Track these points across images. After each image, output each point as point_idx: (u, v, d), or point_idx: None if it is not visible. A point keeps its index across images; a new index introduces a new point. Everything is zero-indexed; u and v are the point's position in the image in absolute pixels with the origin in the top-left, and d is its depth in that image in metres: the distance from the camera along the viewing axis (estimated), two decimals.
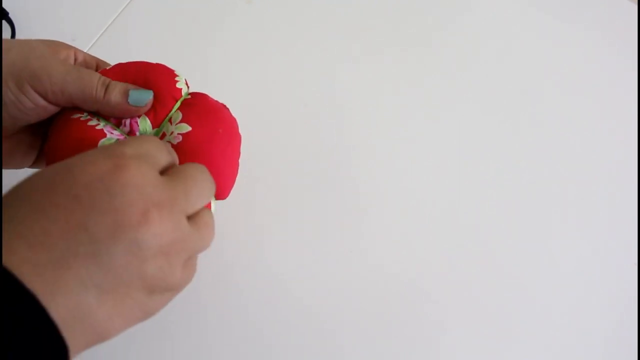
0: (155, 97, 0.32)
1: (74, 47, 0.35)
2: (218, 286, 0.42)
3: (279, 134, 0.48)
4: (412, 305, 0.42)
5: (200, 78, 0.41)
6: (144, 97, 0.31)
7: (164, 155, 0.27)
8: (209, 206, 0.31)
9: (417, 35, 0.54)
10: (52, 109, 0.32)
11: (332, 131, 0.49)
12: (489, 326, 0.42)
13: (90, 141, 0.30)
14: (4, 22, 0.51)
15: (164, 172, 0.26)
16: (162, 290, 0.24)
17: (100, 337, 0.23)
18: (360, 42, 0.53)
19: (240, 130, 0.36)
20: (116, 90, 0.31)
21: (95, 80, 0.31)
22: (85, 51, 0.36)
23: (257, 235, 0.44)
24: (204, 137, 0.32)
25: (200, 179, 0.27)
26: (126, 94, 0.31)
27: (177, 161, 0.29)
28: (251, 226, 0.44)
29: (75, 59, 0.35)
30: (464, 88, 0.51)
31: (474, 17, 0.56)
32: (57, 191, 0.22)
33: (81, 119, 0.32)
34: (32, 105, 0.30)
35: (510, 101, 0.51)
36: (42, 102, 0.30)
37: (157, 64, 0.34)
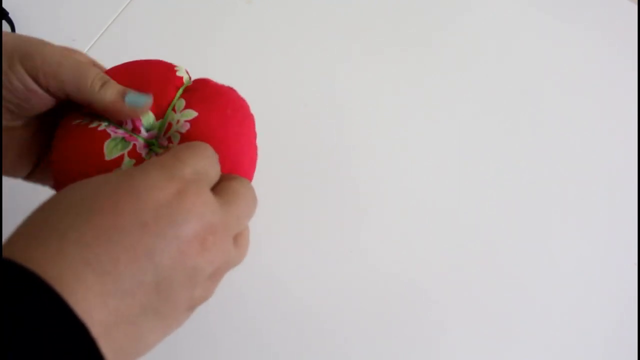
0: (154, 87, 0.31)
1: (78, 51, 0.34)
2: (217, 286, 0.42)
3: (279, 133, 0.48)
4: (412, 306, 0.42)
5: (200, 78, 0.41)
6: (142, 99, 0.30)
7: (215, 168, 0.27)
8: None
9: (417, 35, 0.54)
10: (44, 98, 0.29)
11: (332, 131, 0.49)
12: (489, 326, 0.42)
13: (96, 144, 0.30)
14: (4, 22, 0.51)
15: (214, 187, 0.26)
16: (195, 307, 0.25)
17: (138, 356, 0.23)
18: (360, 42, 0.53)
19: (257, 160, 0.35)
20: (113, 89, 0.30)
21: (93, 73, 0.29)
22: (84, 52, 0.35)
23: (256, 236, 0.44)
24: (212, 121, 0.31)
25: (247, 196, 0.27)
26: (123, 94, 0.30)
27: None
28: (250, 226, 0.44)
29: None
30: (464, 88, 0.51)
31: (474, 17, 0.56)
32: (124, 216, 0.22)
33: (82, 123, 0.30)
34: (21, 87, 0.28)
35: (510, 101, 0.51)
36: (32, 84, 0.28)
37: (155, 60, 0.33)
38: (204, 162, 0.26)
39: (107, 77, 0.30)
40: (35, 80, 0.28)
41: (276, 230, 0.44)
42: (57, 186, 0.31)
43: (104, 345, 0.20)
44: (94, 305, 0.20)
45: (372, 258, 0.44)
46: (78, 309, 0.19)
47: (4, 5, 0.52)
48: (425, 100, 0.51)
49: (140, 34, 0.53)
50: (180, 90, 0.32)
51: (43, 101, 0.30)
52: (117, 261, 0.21)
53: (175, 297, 0.23)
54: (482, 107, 0.51)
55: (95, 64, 0.34)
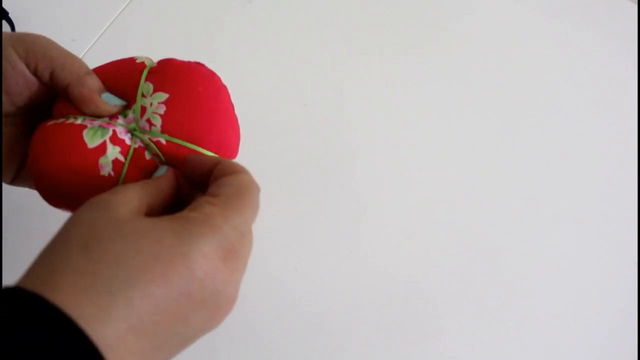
0: (117, 77, 0.31)
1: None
2: None
3: (278, 133, 0.48)
4: (412, 306, 0.42)
5: None
6: (114, 100, 0.31)
7: (254, 218, 0.27)
8: None
9: (417, 36, 0.54)
10: (31, 82, 0.30)
11: (331, 131, 0.49)
12: (489, 326, 0.42)
13: (75, 134, 0.30)
14: (4, 22, 0.51)
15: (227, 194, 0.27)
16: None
17: None
18: (360, 42, 0.53)
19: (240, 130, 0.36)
20: (95, 80, 0.31)
21: (78, 60, 0.30)
22: (84, 52, 0.36)
23: (256, 236, 0.44)
24: (186, 99, 0.31)
25: (254, 208, 0.27)
26: (101, 90, 0.31)
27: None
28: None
29: None
30: (464, 88, 0.51)
31: (474, 17, 0.56)
32: (172, 286, 0.22)
33: (57, 122, 0.31)
34: (8, 68, 0.29)
35: (509, 100, 0.51)
36: (21, 66, 0.29)
37: (118, 59, 0.33)
38: (247, 216, 0.26)
39: (90, 70, 0.31)
40: (26, 62, 0.29)
41: (276, 230, 0.44)
42: (37, 183, 0.31)
43: None
44: None
45: (373, 258, 0.44)
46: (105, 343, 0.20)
47: (4, 5, 0.52)
48: (425, 100, 0.51)
49: (140, 34, 0.53)
50: (145, 72, 0.31)
51: (30, 85, 0.30)
52: (157, 324, 0.22)
53: (194, 337, 0.25)
54: (482, 107, 0.51)
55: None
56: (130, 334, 0.21)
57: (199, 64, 0.33)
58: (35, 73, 0.30)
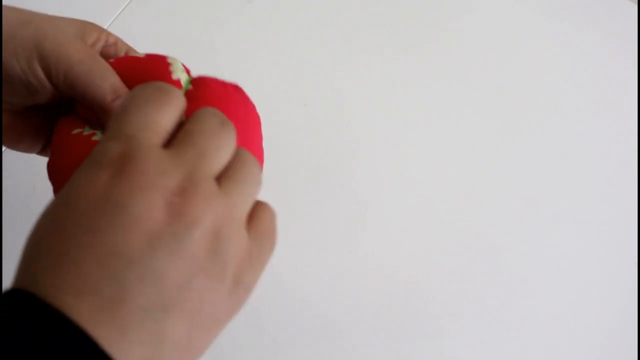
0: None
1: (105, 30, 0.32)
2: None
3: (278, 133, 0.48)
4: (412, 306, 0.42)
5: None
6: None
7: (164, 107, 0.22)
8: None
9: (417, 36, 0.54)
10: (55, 94, 0.30)
11: (331, 131, 0.49)
12: (489, 326, 0.42)
13: (89, 152, 0.29)
14: None
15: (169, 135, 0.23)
16: (234, 276, 0.22)
17: (191, 356, 0.21)
18: (360, 41, 0.53)
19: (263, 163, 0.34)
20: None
21: (107, 83, 0.29)
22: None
23: None
24: None
25: (210, 124, 0.23)
26: None
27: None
28: None
29: (106, 43, 0.33)
30: (465, 87, 0.51)
31: (474, 17, 0.56)
32: (67, 233, 0.20)
33: (83, 133, 0.30)
34: (37, 85, 0.29)
35: (509, 101, 0.51)
36: (47, 83, 0.29)
37: (147, 57, 0.31)
38: (144, 112, 0.22)
39: (121, 91, 0.29)
40: (50, 80, 0.29)
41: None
42: (55, 192, 0.30)
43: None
44: (86, 322, 0.18)
45: (373, 258, 0.44)
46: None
47: (4, 5, 0.52)
48: (425, 100, 0.51)
49: (140, 33, 0.53)
50: None
51: (53, 96, 0.30)
52: (87, 276, 0.19)
53: (173, 282, 0.20)
54: (482, 107, 0.51)
55: (128, 50, 0.34)
56: (68, 298, 0.18)
57: (236, 88, 0.32)
58: (58, 89, 0.29)
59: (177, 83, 0.30)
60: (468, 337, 0.41)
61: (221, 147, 0.22)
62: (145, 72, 0.30)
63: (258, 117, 0.33)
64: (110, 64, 0.31)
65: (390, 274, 0.43)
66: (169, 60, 0.31)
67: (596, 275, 0.44)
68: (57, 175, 0.30)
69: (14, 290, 0.19)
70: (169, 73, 0.30)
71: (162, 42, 0.52)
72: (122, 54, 0.33)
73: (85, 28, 0.32)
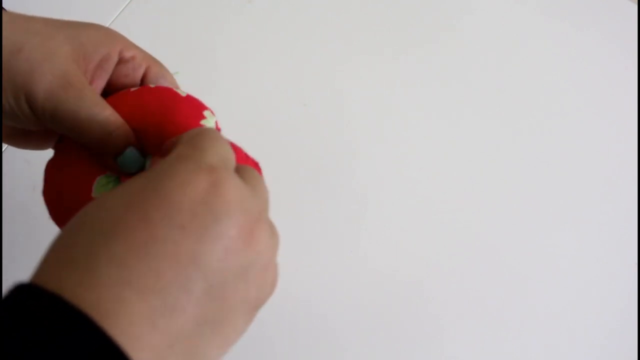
0: (167, 129, 0.28)
1: (123, 44, 0.30)
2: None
3: (278, 133, 0.48)
4: (412, 306, 0.42)
5: (201, 77, 0.42)
6: (133, 166, 0.28)
7: (232, 152, 0.24)
8: None
9: (417, 36, 0.54)
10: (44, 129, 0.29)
11: (331, 131, 0.49)
12: (489, 326, 0.42)
13: (84, 179, 0.28)
14: None
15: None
16: (255, 310, 0.23)
17: None
18: (360, 41, 0.53)
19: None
20: (115, 141, 0.27)
21: (97, 119, 0.27)
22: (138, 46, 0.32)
23: None
24: None
25: (261, 179, 0.25)
26: (120, 149, 0.27)
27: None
28: None
29: (122, 58, 0.30)
30: (465, 87, 0.51)
31: (474, 17, 0.56)
32: (157, 224, 0.19)
33: (81, 151, 0.29)
34: (27, 120, 0.28)
35: (509, 101, 0.51)
36: (36, 120, 0.28)
37: (187, 97, 0.29)
38: (224, 147, 0.23)
39: (114, 125, 0.27)
40: (35, 115, 0.27)
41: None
42: (44, 194, 0.30)
43: None
44: (142, 329, 0.18)
45: (373, 258, 0.44)
46: (124, 338, 0.17)
47: (4, 5, 0.52)
48: (425, 100, 0.51)
49: (140, 33, 0.53)
50: None
51: (43, 127, 0.29)
52: (160, 275, 0.18)
53: (230, 302, 0.20)
54: (482, 107, 0.51)
55: (151, 65, 0.31)
56: (128, 292, 0.18)
57: (256, 163, 0.31)
58: (48, 126, 0.28)
59: None
60: (468, 337, 0.41)
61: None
62: (177, 112, 0.28)
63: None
64: (146, 89, 0.29)
65: (390, 274, 0.43)
66: (205, 114, 0.29)
67: (596, 275, 0.44)
68: (46, 195, 0.29)
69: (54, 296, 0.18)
70: (201, 119, 0.29)
71: (162, 42, 0.52)
72: (140, 71, 0.31)
73: (91, 45, 0.29)
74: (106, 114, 0.27)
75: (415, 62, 0.53)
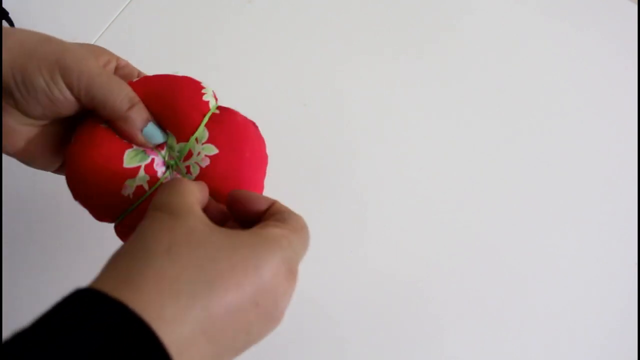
0: (180, 111, 0.32)
1: (115, 55, 0.35)
2: None
3: (278, 133, 0.48)
4: (412, 306, 0.42)
5: (201, 77, 0.41)
6: (157, 138, 0.32)
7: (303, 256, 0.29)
8: None
9: (417, 36, 0.54)
10: (76, 107, 0.32)
11: (331, 131, 0.49)
12: (489, 326, 0.42)
13: (116, 150, 0.31)
14: (4, 22, 0.51)
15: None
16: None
17: None
18: (360, 41, 0.53)
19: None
20: (140, 114, 0.31)
21: (122, 93, 0.31)
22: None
23: None
24: (231, 162, 0.32)
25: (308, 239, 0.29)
26: (145, 122, 0.32)
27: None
28: None
29: (117, 66, 0.35)
30: (464, 88, 0.51)
31: (474, 17, 0.56)
32: (244, 295, 0.24)
33: (107, 128, 0.32)
34: (60, 97, 0.31)
35: (509, 101, 0.51)
36: (69, 95, 0.31)
37: (184, 77, 0.34)
38: (307, 242, 0.29)
39: (136, 100, 0.32)
40: (72, 92, 0.31)
41: None
42: (67, 172, 0.32)
43: None
44: None
45: (373, 258, 0.44)
46: None
47: (4, 5, 0.52)
48: (425, 100, 0.51)
49: (140, 33, 0.53)
50: (205, 119, 0.32)
51: (75, 108, 0.32)
52: (224, 331, 0.23)
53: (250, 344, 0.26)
54: (482, 107, 0.51)
55: (139, 74, 0.36)
56: (201, 337, 0.22)
57: (254, 125, 0.34)
58: (80, 102, 0.31)
59: (205, 105, 0.33)
60: (468, 337, 0.41)
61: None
62: (181, 88, 0.33)
63: (266, 155, 0.35)
64: (148, 77, 0.33)
65: (390, 273, 0.43)
66: (204, 84, 0.33)
67: (596, 275, 0.44)
68: (75, 159, 0.31)
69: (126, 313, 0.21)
70: (201, 95, 0.33)
71: (162, 42, 0.52)
72: (135, 76, 0.35)
73: (96, 51, 0.34)
74: (129, 88, 0.32)
75: (415, 62, 0.53)
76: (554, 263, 0.44)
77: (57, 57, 0.30)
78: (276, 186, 0.46)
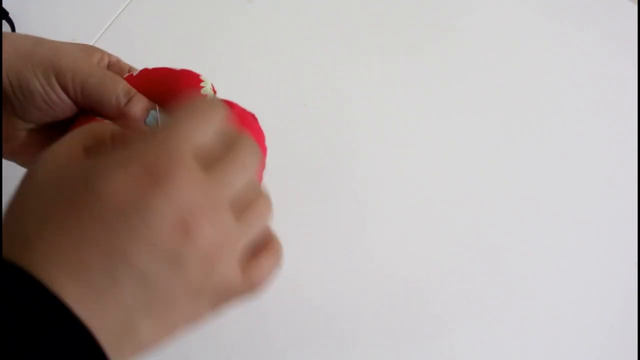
0: (177, 102, 0.31)
1: (106, 52, 0.35)
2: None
3: (278, 133, 0.48)
4: (412, 306, 0.42)
5: None
6: (161, 118, 0.32)
7: (205, 124, 0.23)
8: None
9: (417, 36, 0.54)
10: (73, 108, 0.32)
11: (331, 131, 0.49)
12: (489, 326, 0.42)
13: None
14: (4, 22, 0.51)
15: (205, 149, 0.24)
16: (214, 297, 0.23)
17: (145, 352, 0.22)
18: (360, 42, 0.53)
19: None
20: (139, 105, 0.31)
21: (118, 88, 0.31)
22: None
23: None
24: None
25: (245, 154, 0.24)
26: (146, 112, 0.31)
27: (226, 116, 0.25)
28: None
29: (109, 63, 0.35)
30: (464, 88, 0.51)
31: (474, 17, 0.56)
32: (84, 216, 0.20)
33: (105, 121, 0.32)
34: (57, 99, 0.31)
35: (510, 101, 0.51)
36: (65, 97, 0.31)
37: (182, 70, 0.33)
38: (198, 129, 0.23)
39: (132, 92, 0.32)
40: (68, 94, 0.31)
41: (275, 230, 0.44)
42: None
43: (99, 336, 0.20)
44: (72, 302, 0.19)
45: (372, 258, 0.44)
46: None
47: (4, 5, 0.52)
48: (425, 100, 0.51)
49: (140, 33, 0.53)
50: None
51: (72, 110, 0.32)
52: (88, 266, 0.20)
53: (164, 289, 0.21)
54: (481, 107, 0.51)
55: (131, 69, 0.36)
56: (61, 276, 0.20)
57: (254, 117, 0.34)
58: (77, 104, 0.32)
59: (204, 97, 0.33)
60: (468, 337, 0.41)
61: (248, 172, 0.24)
62: (179, 80, 0.33)
63: (265, 147, 0.35)
64: (146, 70, 0.33)
65: (391, 273, 0.43)
66: (202, 77, 0.33)
67: (596, 275, 0.44)
68: None
69: (8, 264, 0.20)
70: (200, 88, 0.32)
71: (162, 42, 0.52)
72: (126, 71, 0.35)
73: (88, 49, 0.34)
74: (125, 82, 0.31)
75: (415, 62, 0.53)
76: (554, 263, 0.44)
77: (52, 59, 0.30)
78: (276, 186, 0.46)
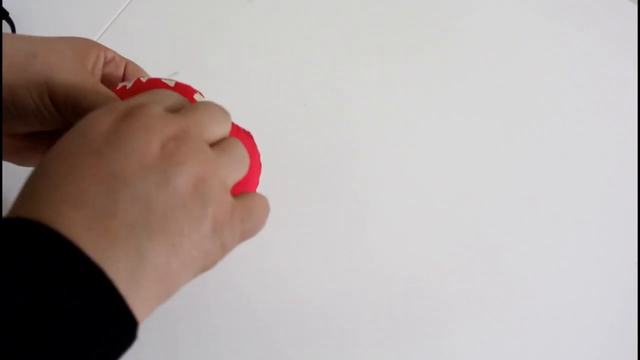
0: None
1: (103, 47, 0.35)
2: (219, 287, 0.42)
3: (278, 133, 0.48)
4: (412, 306, 0.42)
5: (200, 77, 0.41)
6: None
7: (173, 97, 0.27)
8: None
9: (417, 36, 0.54)
10: (64, 123, 0.32)
11: (331, 131, 0.49)
12: (489, 326, 0.42)
13: None
14: (4, 22, 0.51)
15: (174, 112, 0.27)
16: (213, 221, 0.24)
17: (165, 286, 0.23)
18: (360, 42, 0.53)
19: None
20: None
21: (110, 102, 0.31)
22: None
23: (256, 237, 0.44)
24: None
25: (209, 108, 0.27)
26: None
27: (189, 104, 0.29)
28: None
29: (105, 60, 0.35)
30: (464, 88, 0.51)
31: (474, 17, 0.56)
32: (77, 152, 0.23)
33: None
34: (48, 116, 0.31)
35: (510, 101, 0.51)
36: (57, 114, 0.31)
37: (177, 84, 0.33)
38: (155, 94, 0.27)
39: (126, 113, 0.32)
40: (58, 111, 0.31)
41: (275, 230, 0.44)
42: None
43: (107, 265, 0.21)
44: (79, 230, 0.21)
45: (373, 258, 0.44)
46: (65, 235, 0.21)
47: (4, 5, 0.52)
48: (425, 100, 0.51)
49: (140, 33, 0.53)
50: None
51: (62, 123, 0.32)
52: (86, 190, 0.22)
53: (159, 206, 0.23)
54: (481, 107, 0.51)
55: (127, 63, 0.36)
56: (65, 207, 0.22)
57: (248, 134, 0.34)
58: (69, 119, 0.32)
59: None
60: (468, 337, 0.41)
61: (218, 122, 0.27)
62: None
63: (260, 165, 0.35)
64: (140, 82, 0.33)
65: (391, 273, 0.43)
66: (195, 96, 0.33)
67: (596, 275, 0.44)
68: None
69: (18, 218, 0.22)
70: (193, 101, 0.32)
71: (163, 42, 0.52)
72: (121, 68, 0.36)
73: (84, 49, 0.34)
74: (118, 101, 0.32)
75: (415, 62, 0.53)
76: (554, 263, 0.44)
77: (46, 77, 0.30)
78: (276, 186, 0.46)
